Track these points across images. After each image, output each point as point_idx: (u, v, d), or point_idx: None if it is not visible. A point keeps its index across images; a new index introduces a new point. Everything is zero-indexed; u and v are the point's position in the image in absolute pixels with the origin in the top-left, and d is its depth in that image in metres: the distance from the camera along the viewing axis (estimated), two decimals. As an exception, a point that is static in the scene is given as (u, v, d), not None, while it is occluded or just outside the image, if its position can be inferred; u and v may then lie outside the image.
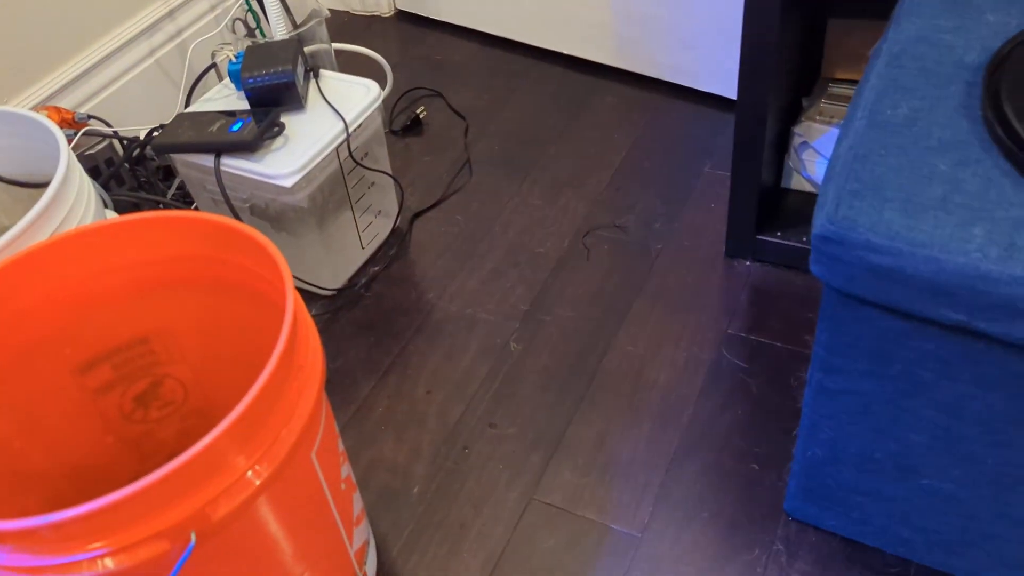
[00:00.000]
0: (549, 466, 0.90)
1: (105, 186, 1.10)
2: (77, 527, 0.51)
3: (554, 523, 0.85)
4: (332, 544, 0.72)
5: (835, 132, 1.02)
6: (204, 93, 1.11)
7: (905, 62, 0.67)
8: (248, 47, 1.04)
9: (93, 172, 1.10)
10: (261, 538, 0.63)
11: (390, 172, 1.14)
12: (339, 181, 1.04)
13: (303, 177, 0.96)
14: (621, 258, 1.12)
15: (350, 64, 1.40)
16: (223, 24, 1.27)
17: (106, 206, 0.98)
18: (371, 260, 1.16)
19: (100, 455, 0.81)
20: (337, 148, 1.00)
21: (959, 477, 0.68)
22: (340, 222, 1.07)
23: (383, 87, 1.15)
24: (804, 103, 1.07)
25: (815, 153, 1.04)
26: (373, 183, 1.11)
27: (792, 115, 1.07)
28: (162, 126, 1.11)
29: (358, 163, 1.05)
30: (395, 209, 1.19)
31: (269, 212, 1.02)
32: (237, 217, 1.00)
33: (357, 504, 0.77)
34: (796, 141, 1.05)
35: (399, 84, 1.44)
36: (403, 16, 1.61)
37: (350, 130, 1.01)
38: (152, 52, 1.34)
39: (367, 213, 1.12)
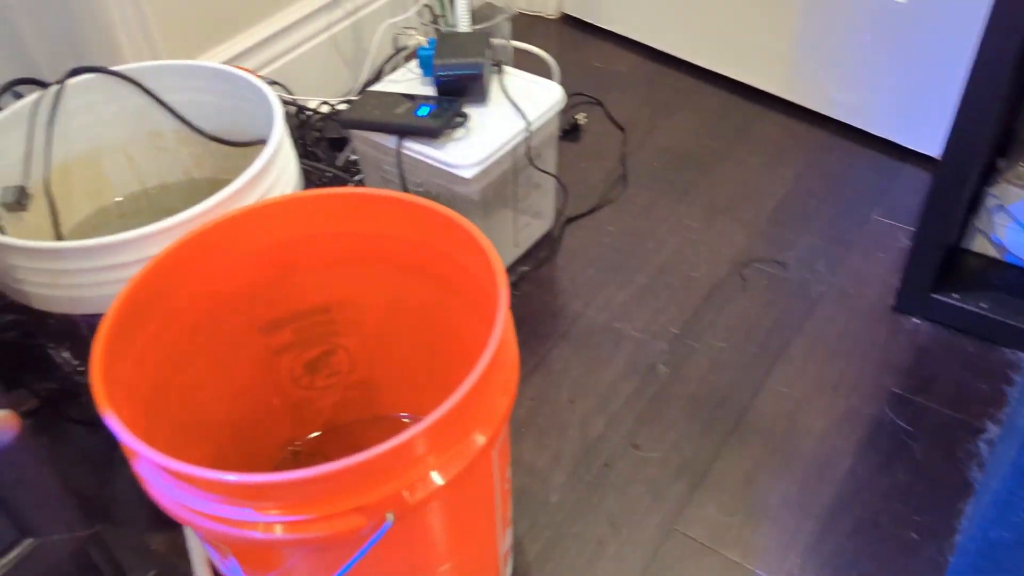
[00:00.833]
0: (693, 498, 0.88)
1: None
2: (314, 487, 0.52)
3: (696, 558, 0.83)
4: (487, 542, 0.72)
5: (1034, 198, 0.97)
6: (386, 74, 1.13)
7: None
8: (441, 35, 1.05)
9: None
10: (434, 529, 0.63)
11: (558, 176, 1.13)
12: (508, 179, 1.04)
13: (482, 170, 0.96)
14: (779, 295, 1.09)
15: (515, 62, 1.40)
16: (412, 10, 1.29)
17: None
18: (522, 259, 1.16)
19: (263, 416, 0.83)
20: (515, 146, 1.00)
21: None
22: (499, 217, 1.07)
23: (558, 90, 1.14)
24: (1001, 164, 1.02)
25: (1008, 217, 0.99)
26: (538, 184, 1.11)
27: (985, 175, 1.02)
28: (347, 100, 1.13)
29: (532, 163, 1.05)
30: (551, 212, 1.18)
31: (439, 200, 1.03)
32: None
33: (510, 506, 0.77)
34: (990, 203, 1.00)
35: (560, 87, 1.44)
36: (568, 20, 1.61)
37: (531, 129, 1.00)
38: (329, 27, 1.37)
39: (526, 213, 1.12)
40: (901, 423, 0.93)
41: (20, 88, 0.89)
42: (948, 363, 0.99)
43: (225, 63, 1.24)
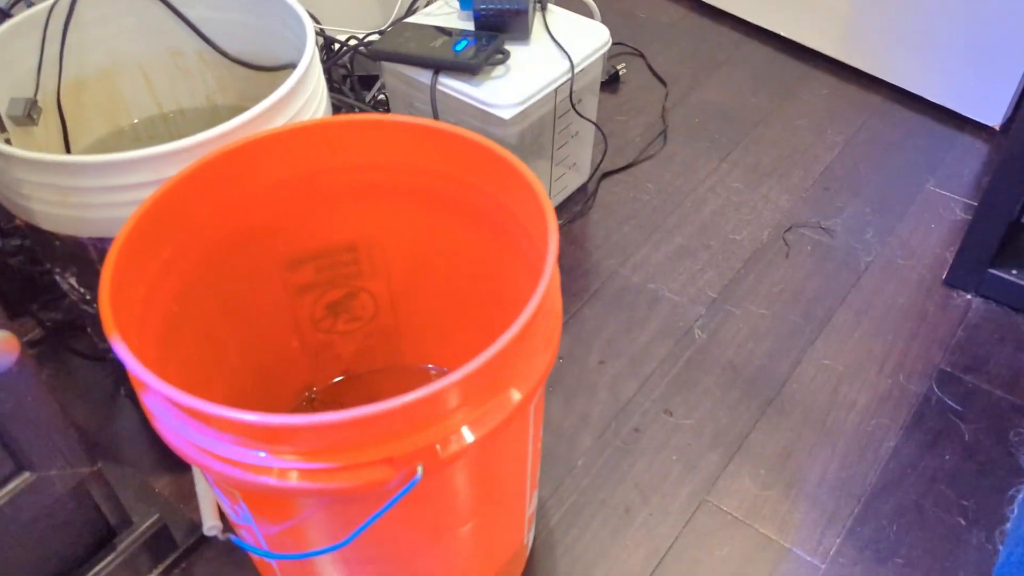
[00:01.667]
0: (727, 469, 0.84)
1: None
2: (340, 433, 0.47)
3: (728, 531, 0.79)
4: (515, 503, 0.68)
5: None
6: (421, 7, 1.06)
7: None
8: (482, -35, 0.98)
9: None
10: (462, 486, 0.59)
11: (599, 125, 1.07)
12: (547, 125, 0.98)
13: (521, 112, 0.90)
14: (825, 263, 1.03)
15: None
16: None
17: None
18: (555, 212, 1.10)
19: (282, 359, 0.78)
20: (557, 88, 0.94)
21: None
22: (535, 166, 1.01)
23: (603, 33, 1.07)
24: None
25: (1078, 191, 0.93)
26: (577, 133, 1.05)
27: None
28: (380, 32, 1.07)
29: (574, 108, 0.99)
30: (587, 164, 1.12)
31: (472, 141, 0.97)
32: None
33: (539, 466, 0.72)
34: (1061, 174, 0.93)
35: (599, 35, 1.37)
36: (609, -34, 1.53)
37: (575, 71, 0.94)
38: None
39: (562, 164, 1.06)
40: (950, 402, 0.88)
41: (33, -5, 0.83)
42: (1002, 342, 0.93)
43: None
